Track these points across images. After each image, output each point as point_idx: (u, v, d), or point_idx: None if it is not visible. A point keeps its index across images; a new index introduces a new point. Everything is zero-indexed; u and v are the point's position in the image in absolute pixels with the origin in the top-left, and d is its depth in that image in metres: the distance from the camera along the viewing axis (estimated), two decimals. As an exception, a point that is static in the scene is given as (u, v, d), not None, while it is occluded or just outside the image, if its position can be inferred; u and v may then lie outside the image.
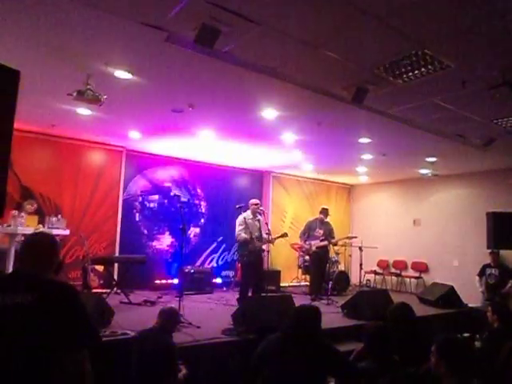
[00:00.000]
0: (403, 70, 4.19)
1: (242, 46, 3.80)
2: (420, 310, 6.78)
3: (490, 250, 7.86)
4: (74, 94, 4.51)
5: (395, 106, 5.35)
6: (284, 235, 7.03)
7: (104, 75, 4.50)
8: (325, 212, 8.36)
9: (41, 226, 6.14)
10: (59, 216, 6.40)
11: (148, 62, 4.28)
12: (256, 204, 6.89)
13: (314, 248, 8.04)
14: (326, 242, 8.05)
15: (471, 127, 6.04)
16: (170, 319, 3.80)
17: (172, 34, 3.58)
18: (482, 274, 8.09)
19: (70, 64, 4.35)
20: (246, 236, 6.55)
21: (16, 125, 2.07)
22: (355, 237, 9.05)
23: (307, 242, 8.19)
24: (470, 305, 7.52)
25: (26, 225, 5.93)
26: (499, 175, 8.88)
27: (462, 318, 6.83)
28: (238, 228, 6.67)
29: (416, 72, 4.22)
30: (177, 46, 3.73)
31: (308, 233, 8.24)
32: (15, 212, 5.89)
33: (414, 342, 3.56)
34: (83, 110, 5.78)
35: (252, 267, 6.50)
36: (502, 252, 7.87)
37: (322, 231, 8.10)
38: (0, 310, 1.66)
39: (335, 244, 8.49)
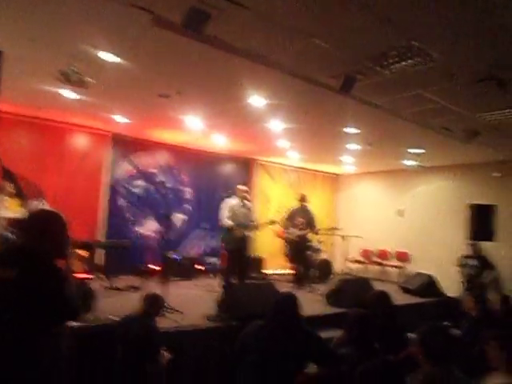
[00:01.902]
0: (391, 61, 4.20)
1: (230, 32, 3.77)
2: (401, 298, 6.91)
3: (470, 241, 8.00)
4: (60, 76, 4.43)
5: (382, 97, 5.37)
6: (272, 222, 7.04)
7: (90, 58, 4.42)
8: (302, 198, 8.38)
9: (22, 209, 6.05)
10: (42, 200, 6.31)
11: (135, 46, 4.21)
12: (245, 191, 6.85)
13: (293, 237, 8.08)
14: (305, 231, 8.09)
15: (456, 120, 6.11)
16: (153, 304, 3.81)
17: (159, 17, 3.53)
18: (461, 264, 8.24)
19: (55, 46, 4.26)
20: (230, 223, 6.53)
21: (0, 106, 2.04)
22: (337, 228, 9.14)
23: (288, 231, 8.23)
24: (449, 294, 7.68)
25: (9, 209, 5.85)
26: (482, 168, 9.02)
27: (441, 307, 6.98)
28: (224, 213, 6.60)
29: (403, 64, 4.23)
30: (164, 29, 3.68)
31: (290, 221, 8.28)
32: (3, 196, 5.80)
33: (392, 330, 3.64)
34: (69, 93, 5.69)
35: (236, 254, 6.51)
36: (482, 243, 8.02)
37: (302, 220, 8.14)
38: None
39: (316, 233, 8.54)
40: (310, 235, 8.37)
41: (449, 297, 7.56)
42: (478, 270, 7.89)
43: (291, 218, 8.27)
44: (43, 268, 1.86)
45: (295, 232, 8.08)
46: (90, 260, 7.40)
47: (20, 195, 6.81)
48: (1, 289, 1.76)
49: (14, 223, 6.30)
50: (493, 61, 4.06)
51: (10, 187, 6.31)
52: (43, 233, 1.98)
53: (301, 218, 8.15)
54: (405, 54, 4.03)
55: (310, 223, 8.17)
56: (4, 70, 1.98)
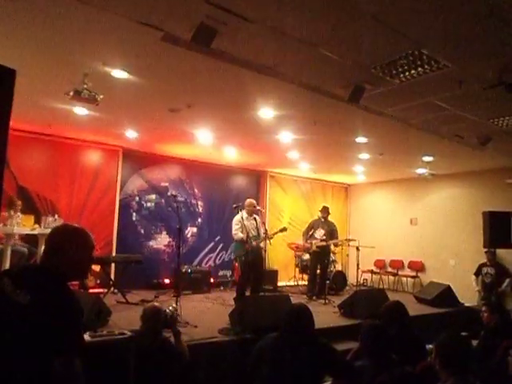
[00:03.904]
0: (400, 69, 4.19)
1: (238, 45, 3.80)
2: (416, 309, 6.81)
3: (486, 249, 7.88)
4: (71, 93, 4.50)
5: (392, 106, 5.35)
6: (283, 230, 7.01)
7: (101, 74, 4.49)
8: (324, 210, 8.35)
9: (37, 225, 6.13)
10: (56, 216, 6.38)
11: (145, 62, 4.28)
12: (253, 206, 6.85)
13: (314, 247, 8.04)
14: (326, 243, 8.03)
15: (468, 127, 6.06)
16: (154, 318, 3.61)
17: (168, 33, 3.58)
18: (478, 273, 8.12)
19: (66, 63, 4.34)
20: (242, 236, 6.53)
21: (12, 124, 2.06)
22: (354, 240, 9.06)
23: (308, 241, 8.20)
24: (466, 304, 7.55)
25: (22, 225, 5.92)
26: (495, 175, 8.91)
27: (458, 317, 6.86)
28: (235, 227, 6.65)
29: (413, 72, 4.22)
30: (173, 45, 3.72)
31: (311, 232, 8.25)
32: (12, 212, 5.88)
33: (409, 341, 3.58)
34: (80, 110, 5.76)
35: (250, 267, 6.48)
36: (498, 251, 7.90)
37: (323, 231, 8.11)
38: (11, 305, 1.63)
39: (336, 245, 8.51)
40: (331, 247, 8.35)
41: (466, 306, 7.42)
42: (494, 278, 7.76)
43: (313, 229, 8.23)
44: (58, 297, 1.69)
45: (315, 242, 8.03)
46: (104, 275, 7.43)
47: (34, 212, 6.91)
48: (13, 312, 1.63)
49: (28, 239, 6.39)
50: (502, 66, 4.03)
51: (19, 205, 6.33)
52: (59, 251, 1.80)
53: (322, 229, 8.12)
54: (414, 62, 4.02)
55: (332, 235, 8.14)
56: (16, 87, 2.01)
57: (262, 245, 6.74)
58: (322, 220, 8.26)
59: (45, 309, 1.63)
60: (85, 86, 4.50)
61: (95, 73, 4.44)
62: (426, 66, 4.09)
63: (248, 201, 6.95)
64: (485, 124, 5.90)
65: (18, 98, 2.16)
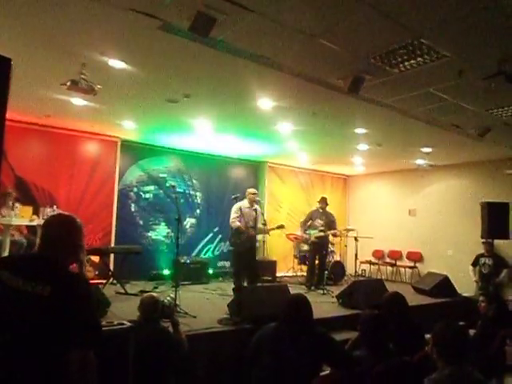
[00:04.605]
0: (399, 59, 4.16)
1: (236, 35, 3.76)
2: (414, 299, 6.83)
3: (483, 240, 7.90)
4: (68, 83, 4.46)
5: (391, 96, 5.33)
6: (280, 227, 7.01)
7: (98, 65, 4.45)
8: (322, 201, 8.35)
9: (35, 216, 6.12)
10: (54, 207, 6.37)
11: (142, 51, 4.24)
12: (254, 193, 6.86)
13: (312, 238, 8.06)
14: (324, 233, 8.05)
15: (467, 117, 6.04)
16: (152, 309, 3.64)
17: (166, 23, 3.54)
18: (475, 263, 8.14)
19: (63, 53, 4.29)
20: (239, 224, 6.54)
21: (9, 115, 2.04)
22: (353, 229, 9.08)
23: (306, 232, 8.21)
24: (463, 294, 7.59)
25: (20, 216, 5.91)
26: (494, 165, 8.91)
27: (456, 308, 6.89)
28: (233, 215, 6.65)
29: (412, 62, 4.20)
30: (171, 34, 3.69)
31: (309, 222, 8.26)
32: (10, 203, 5.87)
33: (407, 331, 3.60)
34: (78, 100, 5.73)
35: (244, 257, 6.49)
36: (496, 242, 7.91)
37: (321, 221, 8.12)
38: (21, 295, 1.63)
39: (335, 235, 8.52)
40: (330, 237, 8.36)
41: (464, 296, 7.46)
42: (492, 268, 7.79)
43: (311, 220, 8.24)
44: (79, 287, 1.72)
45: (314, 233, 8.04)
46: (103, 265, 7.45)
47: (33, 203, 6.89)
48: (32, 305, 1.61)
49: (27, 230, 6.39)
50: (502, 56, 4.01)
51: (11, 194, 6.30)
52: (55, 240, 1.84)
53: (320, 220, 8.13)
54: (413, 52, 3.99)
55: (330, 226, 8.15)
56: (13, 78, 1.99)
57: (258, 236, 6.75)
58: (321, 211, 8.27)
59: (68, 299, 1.64)
60: (82, 76, 4.47)
61: (92, 63, 4.41)
62: (425, 56, 4.06)
63: (250, 189, 6.99)
64: (484, 114, 5.88)
65: (15, 88, 2.15)
